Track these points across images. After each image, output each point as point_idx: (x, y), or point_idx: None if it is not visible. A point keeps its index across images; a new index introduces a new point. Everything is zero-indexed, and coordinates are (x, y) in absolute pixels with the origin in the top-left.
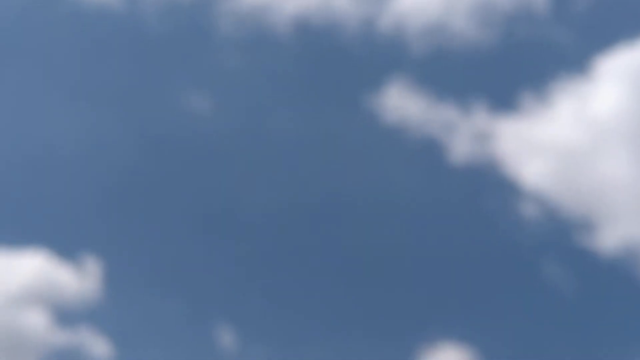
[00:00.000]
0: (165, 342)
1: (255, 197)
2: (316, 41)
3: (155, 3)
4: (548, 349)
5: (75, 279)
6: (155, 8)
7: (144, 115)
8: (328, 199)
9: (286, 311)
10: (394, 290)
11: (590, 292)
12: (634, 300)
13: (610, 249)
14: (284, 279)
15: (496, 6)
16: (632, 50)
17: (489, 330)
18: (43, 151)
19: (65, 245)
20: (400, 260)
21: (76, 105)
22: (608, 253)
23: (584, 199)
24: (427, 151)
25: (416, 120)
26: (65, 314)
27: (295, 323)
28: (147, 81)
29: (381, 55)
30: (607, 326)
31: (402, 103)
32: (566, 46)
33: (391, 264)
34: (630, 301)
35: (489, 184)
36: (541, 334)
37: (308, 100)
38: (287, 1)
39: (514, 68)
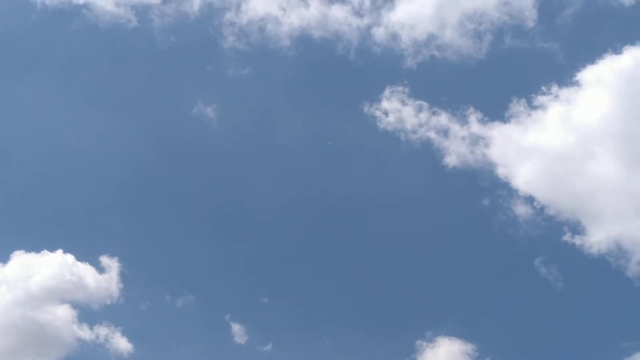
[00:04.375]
0: (181, 339)
1: (261, 199)
2: (317, 52)
3: (164, 17)
4: (540, 340)
5: (96, 280)
6: (164, 22)
7: (154, 122)
8: (330, 201)
9: (293, 310)
10: (394, 287)
11: (579, 288)
12: (620, 295)
13: (597, 247)
14: (290, 279)
15: (486, 18)
16: (616, 60)
17: (483, 324)
18: (64, 160)
19: (86, 248)
20: (399, 258)
21: (91, 114)
22: (595, 251)
23: (573, 200)
24: (424, 155)
25: (413, 126)
26: (88, 312)
27: (303, 321)
28: (157, 90)
29: (379, 65)
30: (595, 319)
31: (399, 110)
32: (553, 56)
33: (391, 262)
34: (616, 296)
35: (483, 186)
36: (533, 327)
37: (309, 108)
38: (289, 14)
39: (505, 77)
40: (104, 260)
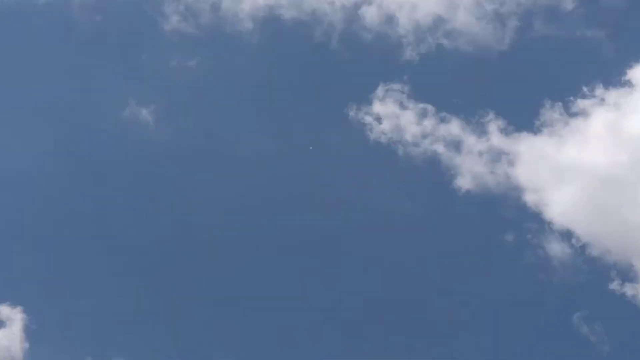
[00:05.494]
0: None
1: (215, 228)
2: (288, 39)
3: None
4: None
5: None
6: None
7: (73, 127)
8: (308, 233)
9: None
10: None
11: (631, 351)
12: None
13: None
14: (250, 305)
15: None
16: None
17: None
18: None
19: None
20: (398, 308)
21: (11, 119)
22: None
23: (623, 237)
24: (429, 175)
25: (415, 136)
26: None
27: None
28: (77, 85)
29: (369, 56)
30: None
31: (396, 115)
32: (598, 48)
33: (387, 315)
34: None
35: (506, 217)
36: None
37: (277, 112)
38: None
39: (535, 74)
40: (4, 310)
